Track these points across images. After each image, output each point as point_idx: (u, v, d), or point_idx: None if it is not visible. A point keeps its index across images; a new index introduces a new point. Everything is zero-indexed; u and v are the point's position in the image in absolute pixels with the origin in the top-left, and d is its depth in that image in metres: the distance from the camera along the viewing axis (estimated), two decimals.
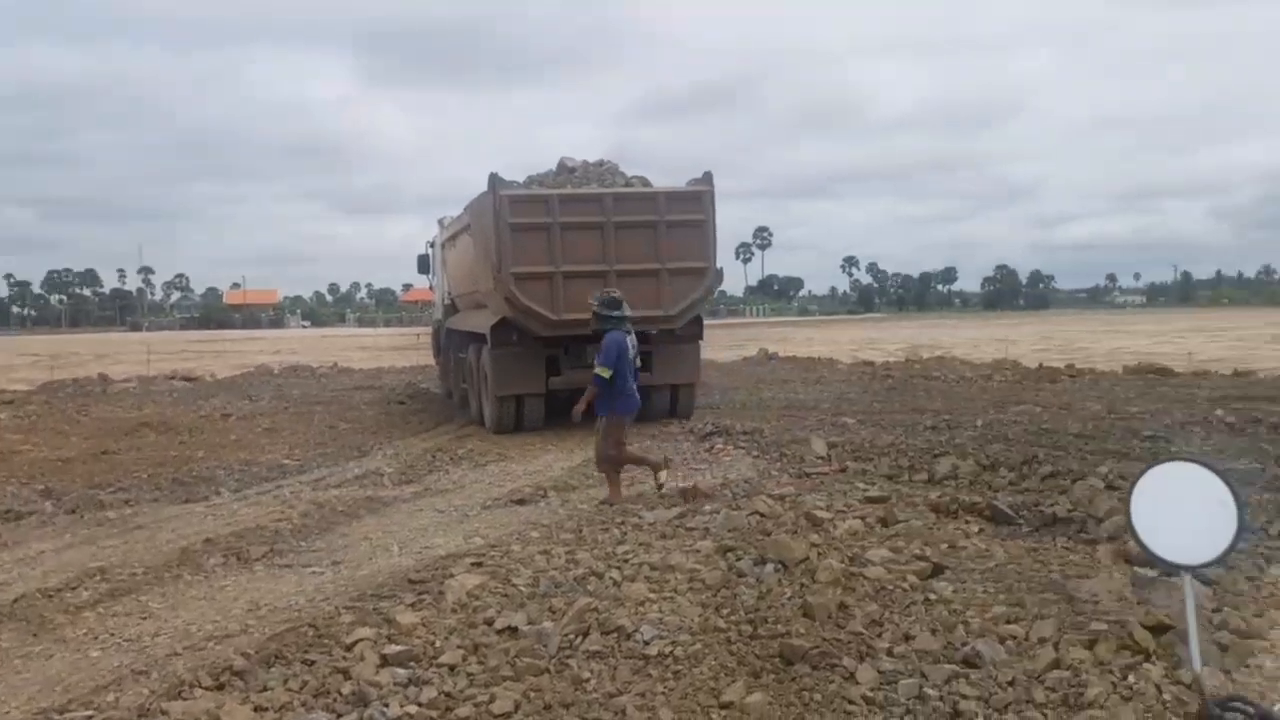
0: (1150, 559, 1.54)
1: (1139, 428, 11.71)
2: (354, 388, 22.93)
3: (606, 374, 8.68)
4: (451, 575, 6.33)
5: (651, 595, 5.61)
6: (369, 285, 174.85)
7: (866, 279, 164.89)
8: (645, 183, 13.90)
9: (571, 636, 5.10)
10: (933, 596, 5.48)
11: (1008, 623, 5.08)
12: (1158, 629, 5.03)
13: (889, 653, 4.77)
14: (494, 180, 12.75)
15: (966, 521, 7.66)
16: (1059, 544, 6.94)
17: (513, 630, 5.28)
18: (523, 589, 5.93)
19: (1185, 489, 1.51)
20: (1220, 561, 1.48)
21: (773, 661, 4.70)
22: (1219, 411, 12.81)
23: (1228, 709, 1.18)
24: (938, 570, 5.98)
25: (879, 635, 4.96)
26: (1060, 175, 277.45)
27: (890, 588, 5.59)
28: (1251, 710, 1.15)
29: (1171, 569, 1.49)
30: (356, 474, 11.40)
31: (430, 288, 22.72)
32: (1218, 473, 1.51)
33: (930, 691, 4.38)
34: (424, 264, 21.48)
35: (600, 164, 14.20)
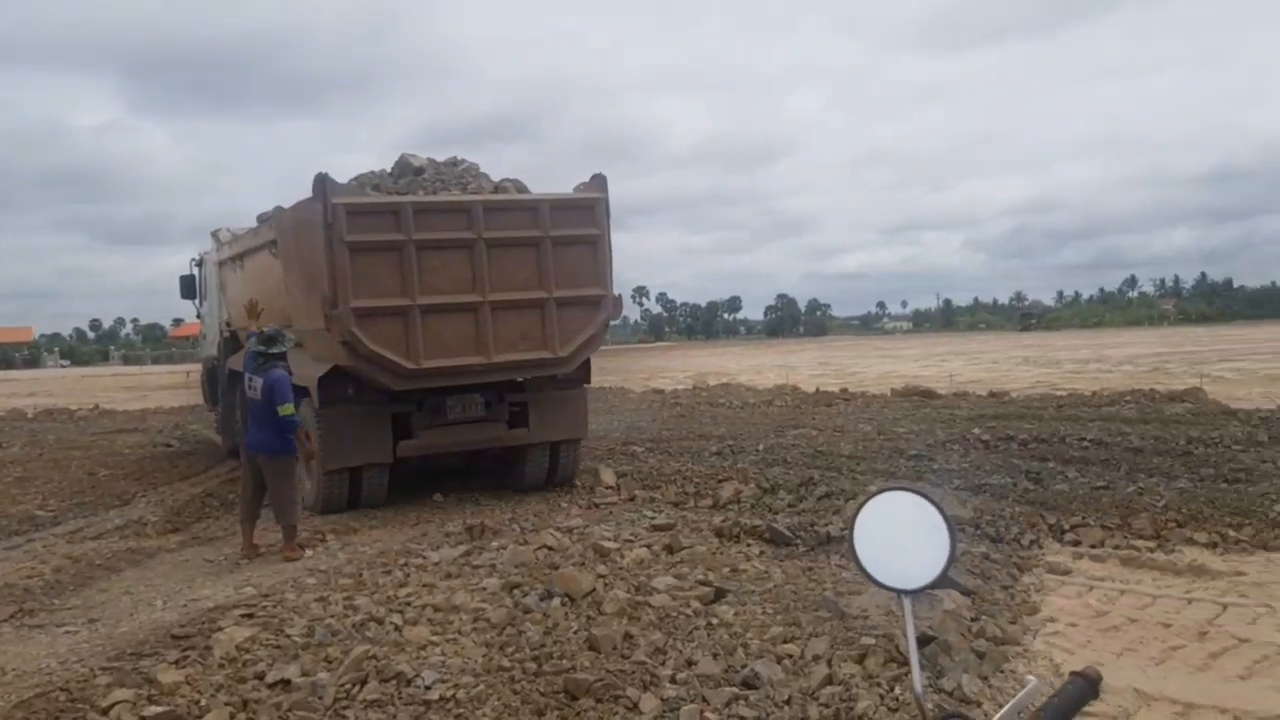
0: (872, 585, 1.60)
1: (905, 447, 12.38)
2: (117, 430, 21.40)
3: (293, 411, 8.42)
4: (220, 628, 5.97)
5: (434, 638, 5.47)
6: (135, 320, 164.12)
7: (657, 308, 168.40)
8: (520, 187, 10.74)
9: (348, 686, 4.90)
10: (715, 621, 5.60)
11: (785, 642, 5.24)
12: (922, 640, 5.31)
13: (672, 680, 4.82)
14: (323, 183, 9.37)
15: (748, 545, 7.87)
16: (833, 562, 7.21)
17: (285, 683, 5.02)
18: (297, 639, 5.66)
19: (903, 517, 1.58)
20: (936, 584, 1.56)
21: (557, 697, 4.66)
22: (976, 430, 13.71)
23: None
24: (720, 594, 6.11)
25: (663, 663, 5.01)
26: (833, 209, 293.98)
27: (674, 615, 5.67)
28: None
29: (893, 594, 1.55)
30: (118, 524, 10.60)
31: (199, 317, 18.21)
32: (931, 500, 1.59)
33: (711, 716, 4.45)
34: (189, 287, 17.39)
35: (455, 162, 11.01)
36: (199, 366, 19.96)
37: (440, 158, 10.84)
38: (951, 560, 1.58)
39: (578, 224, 10.37)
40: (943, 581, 1.55)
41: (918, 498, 1.60)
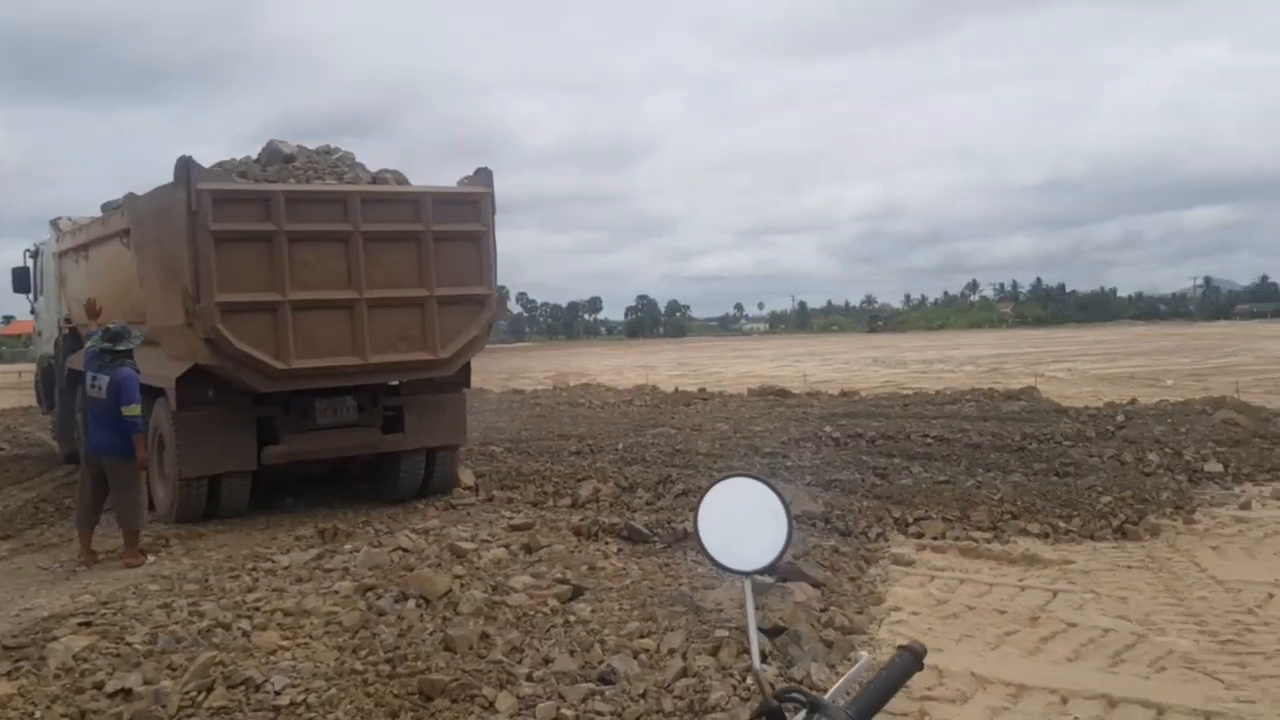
0: (716, 568, 1.66)
1: (760, 445, 12.67)
2: None
3: (139, 412, 8.15)
4: (55, 638, 5.68)
5: (284, 643, 5.35)
6: None
7: (517, 308, 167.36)
8: (400, 179, 10.17)
9: (193, 694, 4.75)
10: (572, 618, 5.64)
11: (641, 637, 5.32)
12: (773, 631, 5.47)
13: (529, 678, 4.83)
14: (187, 167, 8.65)
15: (606, 542, 7.94)
16: (689, 558, 7.34)
17: (126, 693, 4.83)
18: (139, 647, 5.44)
19: (744, 502, 1.65)
20: (775, 566, 1.63)
21: (411, 699, 4.61)
22: (827, 428, 14.13)
23: (785, 700, 1.31)
24: (578, 592, 6.15)
25: (519, 661, 5.02)
26: (692, 211, 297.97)
27: (532, 613, 5.69)
28: (803, 699, 1.28)
29: (734, 576, 1.62)
30: None
31: (33, 313, 17.02)
32: (770, 486, 1.66)
33: (567, 712, 4.48)
34: (23, 280, 16.16)
35: (328, 151, 10.32)
36: (33, 366, 18.45)
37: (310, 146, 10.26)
38: (789, 543, 1.65)
39: (462, 219, 9.90)
40: (781, 563, 1.63)
41: (758, 483, 1.67)
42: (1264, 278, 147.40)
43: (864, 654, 1.62)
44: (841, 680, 1.54)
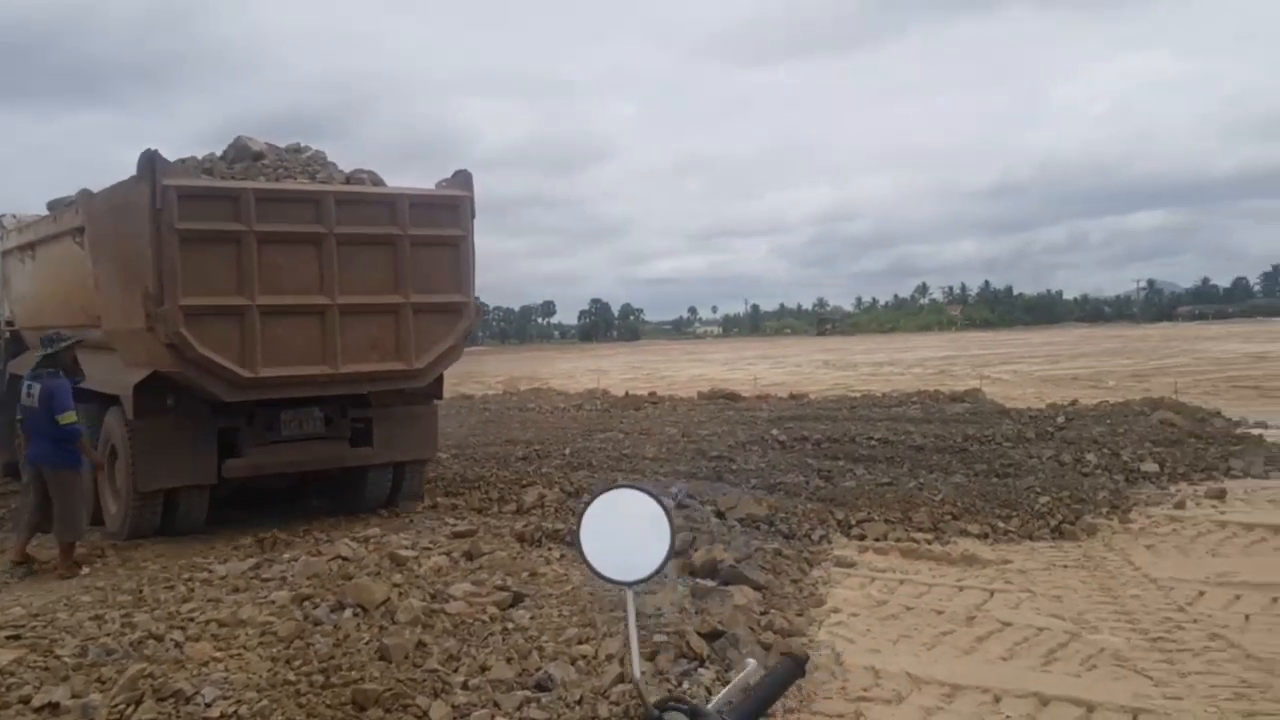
0: (597, 579, 1.66)
1: (708, 449, 12.72)
2: None
3: (75, 419, 7.95)
4: None
5: (217, 654, 5.27)
6: None
7: None
8: (376, 180, 9.63)
9: (122, 707, 4.66)
10: (511, 625, 5.62)
11: (580, 643, 5.31)
12: (712, 635, 5.50)
13: (464, 686, 4.81)
14: (152, 161, 8.17)
15: (549, 549, 7.92)
16: None
17: (54, 707, 4.74)
18: (68, 660, 5.33)
19: (627, 513, 1.66)
20: (656, 575, 1.64)
21: (345, 709, 4.57)
22: (774, 431, 14.22)
23: (665, 709, 1.32)
24: (518, 599, 6.13)
25: (456, 670, 4.99)
26: (646, 215, 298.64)
27: (470, 621, 5.66)
28: (684, 707, 1.29)
29: (617, 586, 1.62)
30: None
31: None
32: (654, 496, 1.67)
33: None
34: None
35: (299, 149, 9.81)
36: None
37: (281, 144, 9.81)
38: (672, 552, 1.66)
39: (440, 223, 9.43)
40: (662, 573, 1.64)
41: (641, 494, 1.68)
42: (1205, 280, 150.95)
43: (750, 661, 1.62)
44: (726, 688, 1.54)
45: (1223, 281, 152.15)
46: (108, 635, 5.75)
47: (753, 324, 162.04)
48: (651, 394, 23.94)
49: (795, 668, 1.52)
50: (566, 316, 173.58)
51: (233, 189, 8.58)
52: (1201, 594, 6.83)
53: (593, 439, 14.67)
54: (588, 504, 1.69)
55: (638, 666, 1.48)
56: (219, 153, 9.42)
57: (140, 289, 8.30)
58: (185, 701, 4.66)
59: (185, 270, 8.21)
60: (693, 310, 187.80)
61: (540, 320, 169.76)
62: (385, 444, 9.58)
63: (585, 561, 1.65)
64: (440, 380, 9.94)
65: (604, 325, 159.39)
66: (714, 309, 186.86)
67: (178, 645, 5.45)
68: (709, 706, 1.42)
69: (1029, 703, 5.04)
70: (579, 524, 1.68)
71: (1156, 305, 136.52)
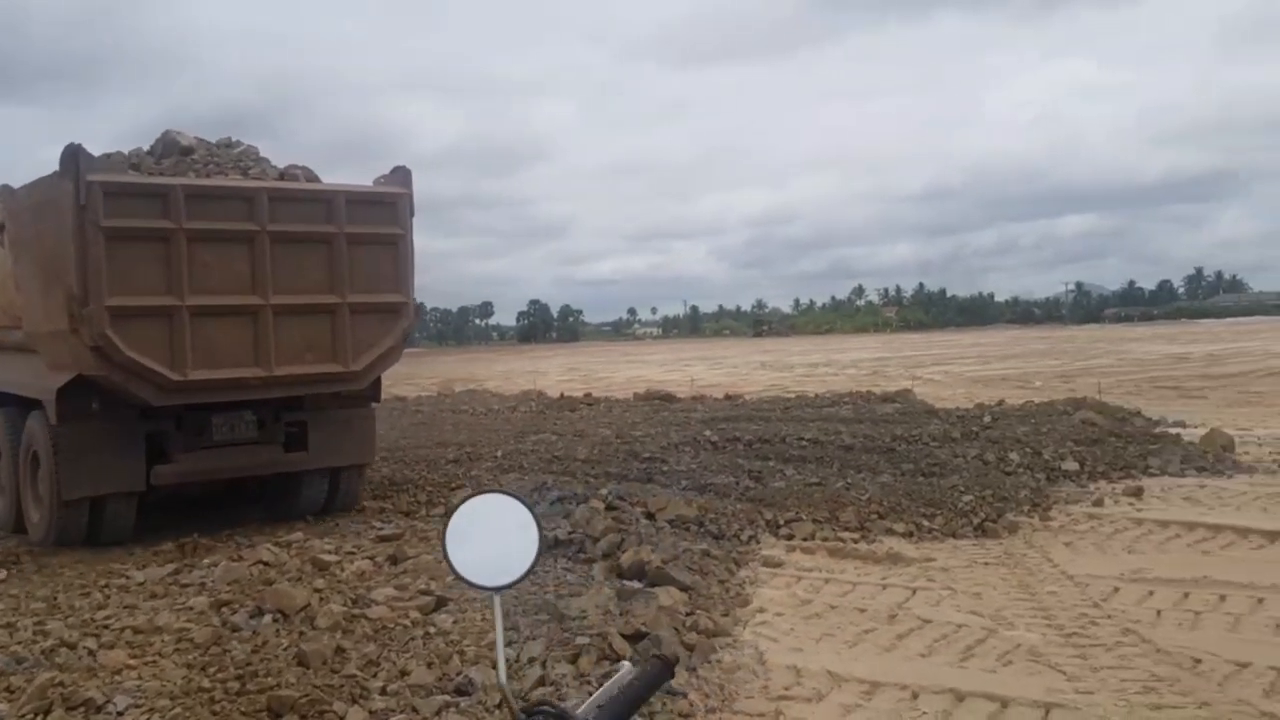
0: (465, 585, 1.67)
1: (640, 450, 12.73)
2: None
3: None
4: None
5: (132, 661, 5.18)
6: None
7: None
8: (311, 176, 9.39)
9: (30, 717, 4.56)
10: (432, 630, 5.58)
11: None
12: (635, 636, 5.51)
13: (383, 691, 4.77)
14: (76, 156, 7.91)
15: None
16: (559, 565, 7.34)
17: None
18: None
19: (495, 519, 1.66)
20: (524, 579, 1.65)
21: (260, 716, 4.51)
22: (707, 432, 14.28)
23: (533, 715, 1.33)
24: (441, 603, 6.09)
25: (375, 675, 4.95)
26: (584, 216, 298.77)
27: (391, 626, 5.62)
28: (553, 712, 1.30)
29: (483, 592, 1.62)
30: None
31: None
32: (522, 501, 1.68)
33: None
34: None
35: (230, 144, 9.51)
36: None
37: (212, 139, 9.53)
38: (538, 558, 1.67)
39: (378, 221, 9.21)
40: (529, 578, 1.65)
41: (509, 499, 1.68)
42: (1131, 283, 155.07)
43: (625, 663, 1.64)
44: (599, 691, 1.55)
45: (1148, 284, 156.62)
46: (19, 644, 5.63)
47: (692, 325, 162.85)
48: (587, 395, 23.93)
49: (664, 669, 1.54)
50: (505, 318, 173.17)
51: (161, 185, 8.31)
52: (1116, 590, 6.99)
53: (526, 441, 14.62)
54: (453, 510, 1.70)
55: (504, 673, 1.48)
56: (146, 148, 9.14)
57: (63, 289, 8.04)
58: (96, 710, 4.58)
59: (111, 270, 7.95)
60: (632, 311, 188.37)
61: (478, 321, 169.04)
62: (321, 449, 9.33)
63: (451, 568, 1.65)
64: (378, 383, 9.72)
65: (543, 326, 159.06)
66: (653, 310, 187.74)
67: (91, 653, 5.35)
68: (579, 711, 1.43)
69: (945, 699, 5.12)
70: (444, 530, 1.68)
71: (1084, 307, 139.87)
